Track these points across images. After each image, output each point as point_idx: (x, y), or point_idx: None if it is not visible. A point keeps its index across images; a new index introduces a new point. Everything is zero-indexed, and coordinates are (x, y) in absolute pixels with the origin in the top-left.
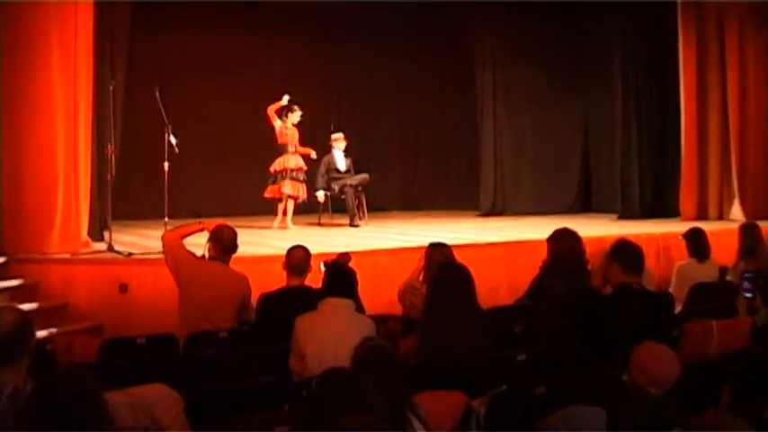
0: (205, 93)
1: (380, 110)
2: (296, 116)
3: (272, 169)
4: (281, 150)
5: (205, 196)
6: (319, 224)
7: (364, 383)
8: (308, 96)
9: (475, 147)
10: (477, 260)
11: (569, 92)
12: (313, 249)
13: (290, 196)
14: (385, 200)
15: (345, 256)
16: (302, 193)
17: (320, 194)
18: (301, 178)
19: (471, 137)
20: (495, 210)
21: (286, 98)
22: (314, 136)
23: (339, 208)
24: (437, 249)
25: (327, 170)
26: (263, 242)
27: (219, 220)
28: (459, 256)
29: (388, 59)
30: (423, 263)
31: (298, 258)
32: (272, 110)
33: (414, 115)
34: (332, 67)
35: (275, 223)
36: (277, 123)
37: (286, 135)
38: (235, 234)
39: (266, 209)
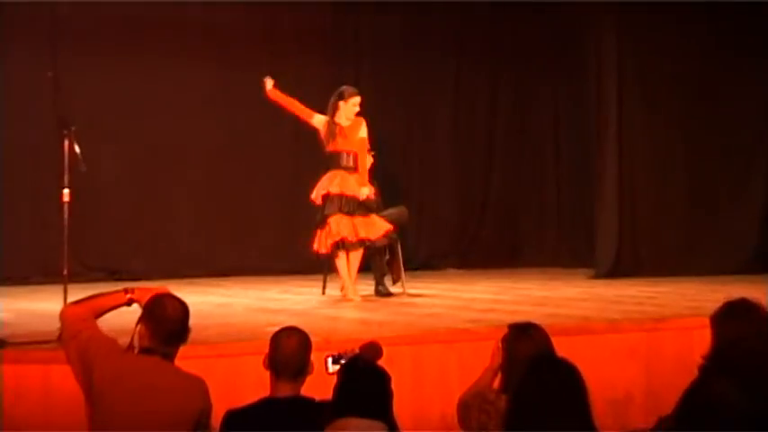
0: (132, 76)
1: (428, 108)
2: (352, 107)
3: (317, 195)
4: (329, 163)
5: (131, 245)
6: (324, 293)
7: None
8: (311, 82)
9: (586, 168)
10: (591, 352)
11: (746, 93)
12: (315, 335)
13: (346, 240)
14: (435, 251)
15: (372, 349)
16: (374, 232)
17: None
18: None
19: (580, 152)
20: (622, 269)
21: None
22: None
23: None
24: (523, 335)
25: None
26: (230, 321)
27: (158, 287)
28: (561, 346)
29: (441, 29)
30: (499, 357)
31: (290, 351)
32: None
33: (483, 115)
34: (348, 36)
35: (350, 294)
36: (318, 118)
37: (342, 137)
38: (184, 310)
39: (230, 266)
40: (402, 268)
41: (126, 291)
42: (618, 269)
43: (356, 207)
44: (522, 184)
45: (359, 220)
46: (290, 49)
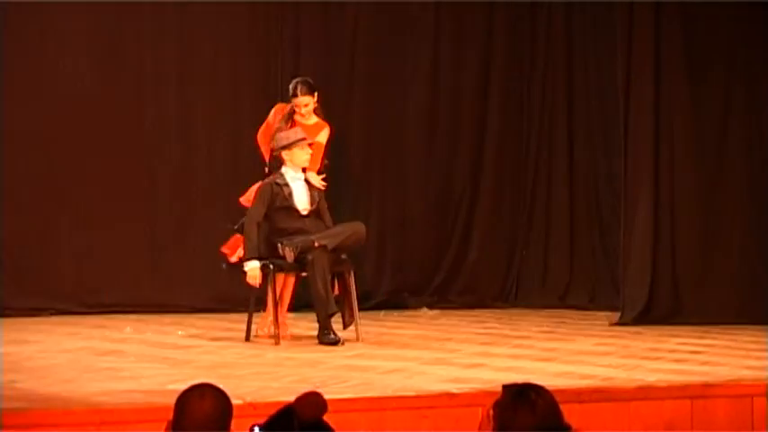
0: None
1: (395, 98)
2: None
3: None
4: None
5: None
6: (248, 338)
7: None
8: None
9: (608, 170)
10: (615, 426)
11: None
12: (237, 397)
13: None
14: (402, 284)
15: (311, 401)
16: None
17: (252, 269)
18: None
19: (600, 148)
20: (656, 313)
21: None
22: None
23: (299, 302)
24: (522, 400)
25: (269, 212)
26: (118, 375)
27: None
28: (572, 417)
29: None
30: (489, 430)
31: (202, 417)
32: None
33: (464, 108)
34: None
35: (264, 329)
36: None
37: None
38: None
39: (117, 300)
40: (356, 307)
41: None
42: (651, 313)
43: None
44: (519, 195)
45: None
46: None
